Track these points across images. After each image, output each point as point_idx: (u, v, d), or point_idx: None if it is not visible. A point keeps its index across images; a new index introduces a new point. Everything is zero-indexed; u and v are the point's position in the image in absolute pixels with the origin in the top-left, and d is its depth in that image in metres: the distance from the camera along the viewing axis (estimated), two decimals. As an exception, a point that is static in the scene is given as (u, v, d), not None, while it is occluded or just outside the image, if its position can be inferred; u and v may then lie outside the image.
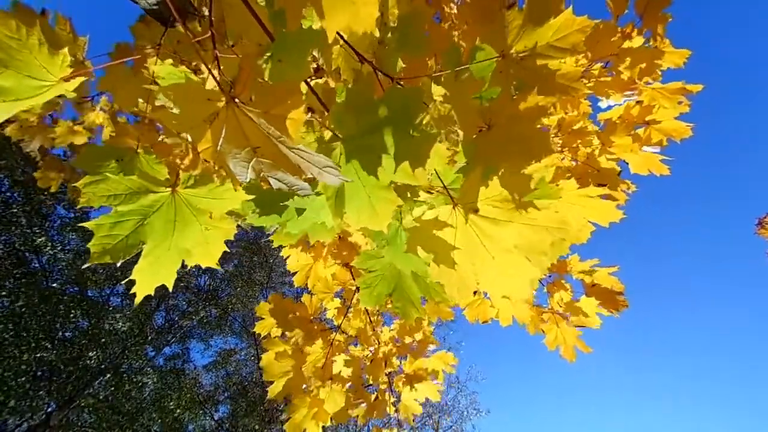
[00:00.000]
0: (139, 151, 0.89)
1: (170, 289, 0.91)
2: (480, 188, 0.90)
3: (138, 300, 0.88)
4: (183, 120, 0.67)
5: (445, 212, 0.96)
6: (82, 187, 0.81)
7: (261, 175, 0.70)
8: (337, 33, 0.86)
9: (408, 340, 2.01)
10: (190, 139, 0.70)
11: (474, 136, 0.94)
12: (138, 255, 0.88)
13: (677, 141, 1.92)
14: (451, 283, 0.98)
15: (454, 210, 0.95)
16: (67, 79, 0.68)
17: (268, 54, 0.85)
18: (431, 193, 1.03)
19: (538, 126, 0.90)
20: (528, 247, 0.90)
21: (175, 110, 0.66)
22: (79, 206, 0.92)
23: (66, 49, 0.68)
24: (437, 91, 0.98)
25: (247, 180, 0.70)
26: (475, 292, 2.01)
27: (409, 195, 1.04)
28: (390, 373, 1.95)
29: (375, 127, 0.80)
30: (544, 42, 0.93)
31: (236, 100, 0.68)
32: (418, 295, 1.20)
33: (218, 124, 0.68)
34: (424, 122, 0.96)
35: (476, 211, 0.92)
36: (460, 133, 0.95)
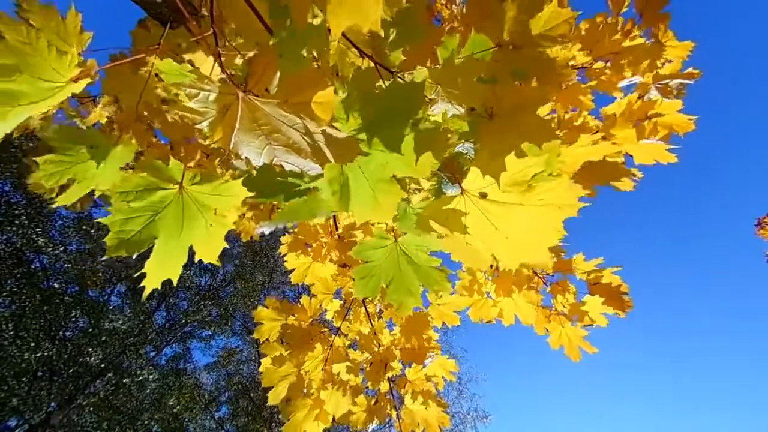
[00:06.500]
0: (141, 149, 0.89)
1: (174, 284, 0.93)
2: (486, 174, 0.91)
3: (146, 294, 0.91)
4: (198, 113, 0.72)
5: (454, 199, 0.97)
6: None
7: (274, 161, 0.77)
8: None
9: (410, 345, 1.98)
10: (206, 130, 0.75)
11: (478, 126, 0.97)
12: (149, 250, 0.90)
13: (680, 135, 1.84)
14: (465, 255, 1.01)
15: (462, 196, 0.97)
16: (75, 80, 0.70)
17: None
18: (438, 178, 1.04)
19: (539, 114, 0.94)
20: (541, 227, 0.94)
21: (192, 104, 0.71)
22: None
23: (74, 49, 0.70)
24: (436, 77, 0.99)
25: (260, 164, 0.77)
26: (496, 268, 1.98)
27: (413, 186, 1.06)
28: (391, 377, 1.93)
29: (377, 121, 0.83)
30: (536, 32, 1.00)
31: (248, 92, 0.73)
32: (418, 285, 1.19)
33: (231, 115, 0.73)
34: (427, 114, 0.97)
35: (485, 195, 0.94)
36: (461, 110, 0.96)
